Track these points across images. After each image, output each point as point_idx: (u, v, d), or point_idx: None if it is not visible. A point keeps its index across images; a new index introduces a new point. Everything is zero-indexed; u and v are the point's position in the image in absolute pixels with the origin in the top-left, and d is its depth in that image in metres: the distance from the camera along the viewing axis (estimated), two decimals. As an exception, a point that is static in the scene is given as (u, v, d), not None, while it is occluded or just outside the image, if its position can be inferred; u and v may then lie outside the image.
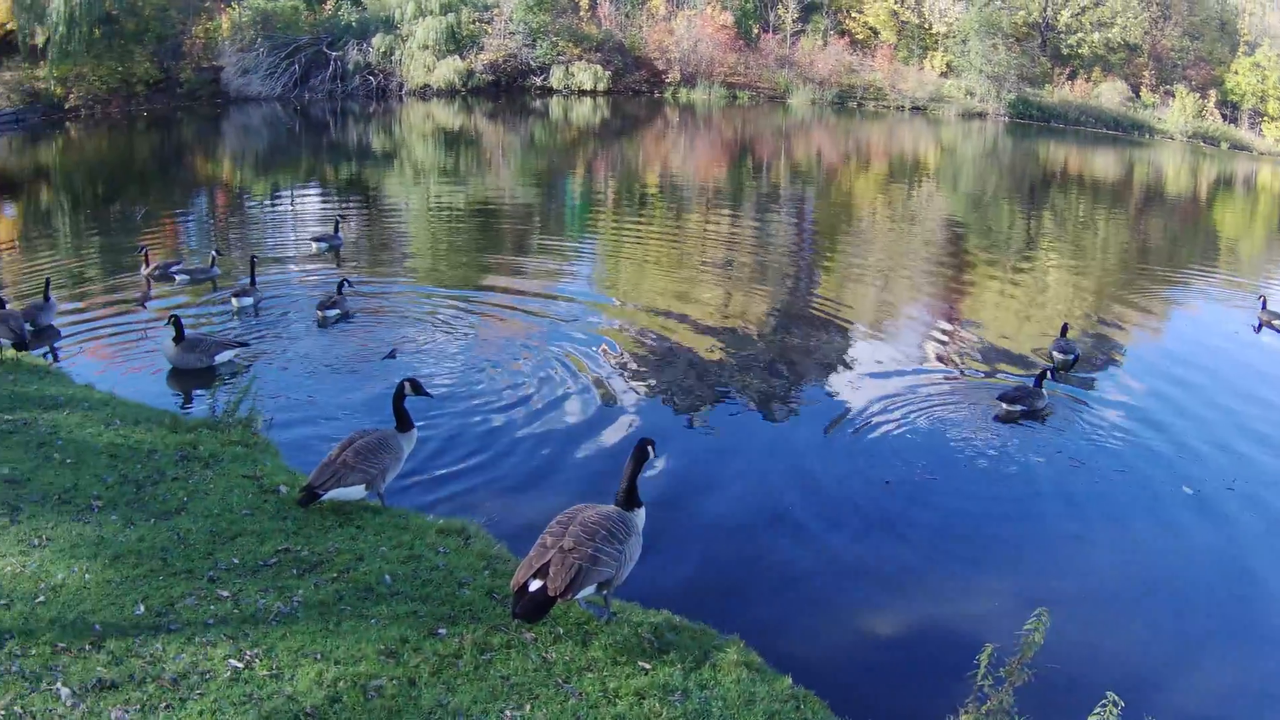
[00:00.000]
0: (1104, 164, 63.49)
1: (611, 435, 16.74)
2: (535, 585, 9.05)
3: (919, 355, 21.45)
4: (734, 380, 19.28)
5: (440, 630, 9.45)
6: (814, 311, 24.39)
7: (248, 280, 24.32)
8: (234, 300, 23.52)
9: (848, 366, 20.44)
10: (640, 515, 10.06)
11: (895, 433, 17.15)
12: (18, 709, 8.11)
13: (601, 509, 9.72)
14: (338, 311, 22.69)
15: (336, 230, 30.62)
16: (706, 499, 14.66)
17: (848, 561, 13.16)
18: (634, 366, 20.02)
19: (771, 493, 14.94)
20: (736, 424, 17.50)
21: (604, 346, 21.19)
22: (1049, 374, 19.27)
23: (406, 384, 12.88)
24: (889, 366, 20.51)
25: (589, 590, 9.23)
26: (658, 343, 21.32)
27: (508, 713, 8.31)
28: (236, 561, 10.72)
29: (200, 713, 8.15)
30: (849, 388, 19.23)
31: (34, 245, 31.64)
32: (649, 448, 10.22)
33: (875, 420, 17.59)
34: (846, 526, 14.02)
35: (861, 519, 14.26)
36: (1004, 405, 18.03)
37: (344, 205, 39.72)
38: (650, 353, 20.79)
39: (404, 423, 12.81)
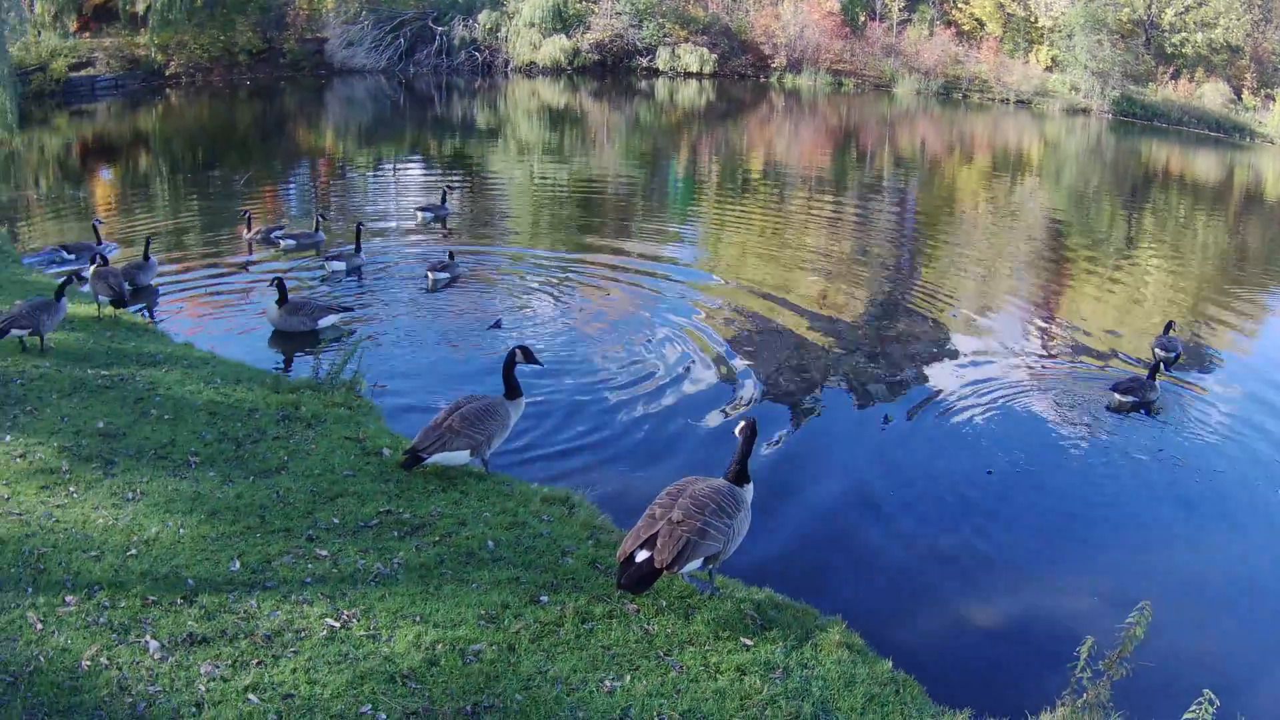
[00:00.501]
0: (1205, 165, 62.13)
1: (711, 413, 16.50)
2: (642, 556, 8.93)
3: (1019, 347, 20.95)
4: (835, 365, 18.96)
5: (542, 597, 9.33)
6: (915, 300, 23.97)
7: (352, 247, 24.44)
8: (326, 264, 23.75)
9: (949, 355, 20.03)
10: (749, 491, 9.84)
11: (997, 423, 16.73)
12: (104, 660, 8.05)
13: (712, 482, 9.54)
14: (447, 275, 22.78)
15: (444, 200, 30.55)
16: (807, 481, 14.39)
17: (948, 549, 12.88)
18: (734, 346, 19.75)
19: (873, 477, 14.67)
20: (837, 408, 17.22)
21: (705, 326, 20.99)
22: (1162, 367, 18.75)
23: (518, 351, 12.69)
24: (989, 357, 20.08)
25: (695, 564, 9.05)
26: (759, 324, 21.02)
27: (607, 682, 8.19)
28: (336, 522, 10.64)
29: (293, 670, 8.07)
30: (950, 376, 18.85)
31: (133, 207, 32.06)
32: (755, 426, 9.95)
33: (976, 409, 17.18)
34: (948, 514, 13.71)
35: (963, 507, 13.92)
36: (1116, 396, 17.53)
37: (447, 178, 39.74)
38: (751, 334, 20.50)
39: (513, 390, 12.64)
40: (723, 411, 16.53)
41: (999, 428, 16.58)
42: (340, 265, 23.75)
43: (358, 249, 24.34)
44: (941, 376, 18.82)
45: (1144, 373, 18.54)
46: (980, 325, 22.34)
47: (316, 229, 25.48)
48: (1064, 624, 11.17)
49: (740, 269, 26.44)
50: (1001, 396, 17.82)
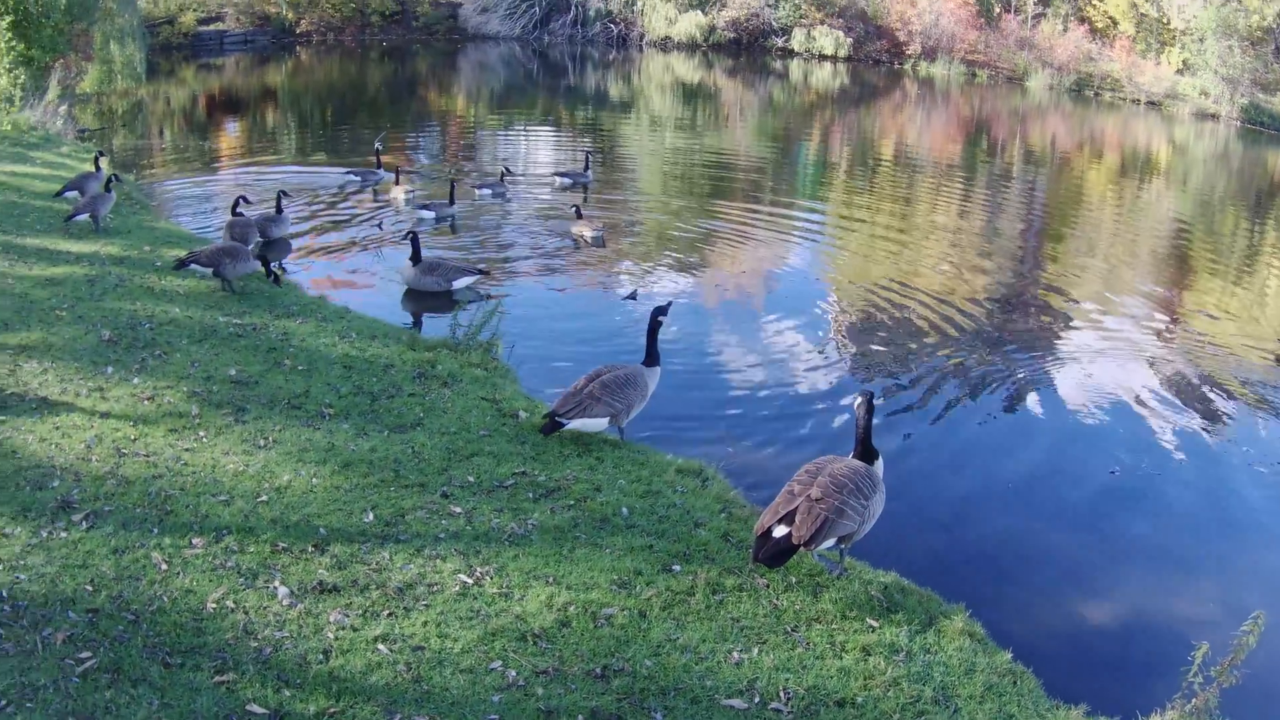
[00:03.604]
0: (1331, 179, 60.89)
1: (833, 392, 16.58)
2: (780, 532, 9.02)
3: (1142, 347, 20.61)
4: (957, 353, 18.84)
5: (674, 567, 9.49)
6: (1039, 293, 23.72)
7: (446, 201, 25.50)
8: (417, 212, 25.04)
9: (1071, 350, 19.79)
10: (879, 466, 9.96)
11: (1120, 424, 16.52)
12: (230, 603, 8.29)
13: (850, 462, 9.62)
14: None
15: (586, 167, 30.89)
16: (927, 467, 14.40)
17: (1066, 545, 12.85)
18: (858, 329, 19.82)
19: (992, 470, 14.66)
20: (958, 399, 17.08)
21: (831, 307, 21.18)
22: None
23: (661, 315, 12.84)
24: (1111, 355, 19.78)
25: (829, 543, 9.16)
26: (883, 309, 20.96)
27: (735, 654, 8.30)
28: (471, 480, 10.84)
29: (424, 623, 8.27)
30: (1072, 371, 18.65)
31: (263, 162, 32.63)
32: (872, 399, 10.00)
33: (1099, 409, 16.96)
34: (1066, 512, 13.63)
35: (1084, 504, 13.82)
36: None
37: (578, 143, 40.07)
38: (875, 318, 20.47)
39: (653, 357, 12.80)
40: (845, 392, 16.59)
41: (1122, 426, 16.46)
42: (429, 214, 24.90)
43: (451, 200, 25.37)
44: (1063, 371, 18.69)
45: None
46: (1103, 323, 22.06)
47: (452, 200, 25.74)
48: (1177, 628, 11.17)
49: (867, 253, 26.41)
50: (1124, 395, 17.63)
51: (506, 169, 29.61)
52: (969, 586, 10.81)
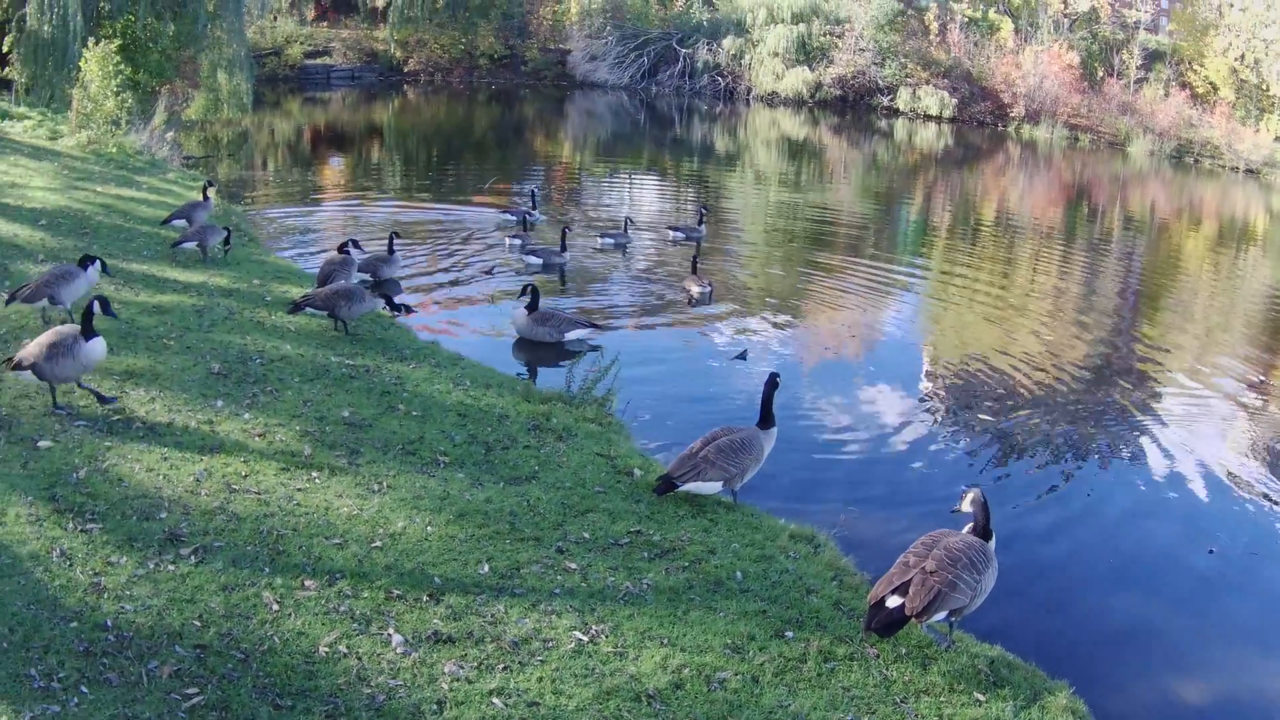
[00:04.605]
0: None
1: (940, 464, 16.55)
2: (894, 602, 9.21)
3: (1238, 421, 20.42)
4: (1055, 426, 18.71)
5: (787, 633, 9.53)
6: (1136, 365, 23.50)
7: (557, 249, 25.76)
8: (524, 258, 25.36)
9: (1167, 426, 19.54)
10: (992, 544, 10.05)
11: (1217, 499, 16.39)
12: (342, 648, 8.37)
13: (966, 537, 9.78)
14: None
15: (701, 221, 30.89)
16: (1025, 542, 14.27)
17: (1164, 626, 12.81)
18: (960, 398, 19.83)
19: (1089, 545, 14.55)
20: (1056, 472, 16.96)
21: (932, 372, 21.38)
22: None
23: (776, 377, 12.96)
24: (1207, 427, 19.60)
25: (941, 615, 9.30)
26: (982, 377, 20.85)
27: None
28: (587, 536, 10.91)
29: (539, 679, 8.31)
30: (1168, 447, 18.40)
31: (371, 200, 33.03)
32: (985, 498, 10.21)
33: (1196, 483, 16.79)
34: (1165, 589, 13.55)
35: (1181, 585, 13.73)
36: None
37: (680, 194, 40.43)
38: (975, 385, 20.40)
39: (768, 419, 12.84)
40: (946, 461, 16.67)
41: (1219, 502, 16.34)
42: (536, 260, 25.22)
43: (563, 248, 25.65)
44: (1160, 444, 18.49)
45: None
46: (1198, 394, 21.83)
47: (563, 248, 25.86)
48: (1276, 714, 11.18)
49: (966, 316, 26.40)
50: (1220, 469, 17.44)
51: (630, 219, 29.81)
52: (1070, 663, 10.81)
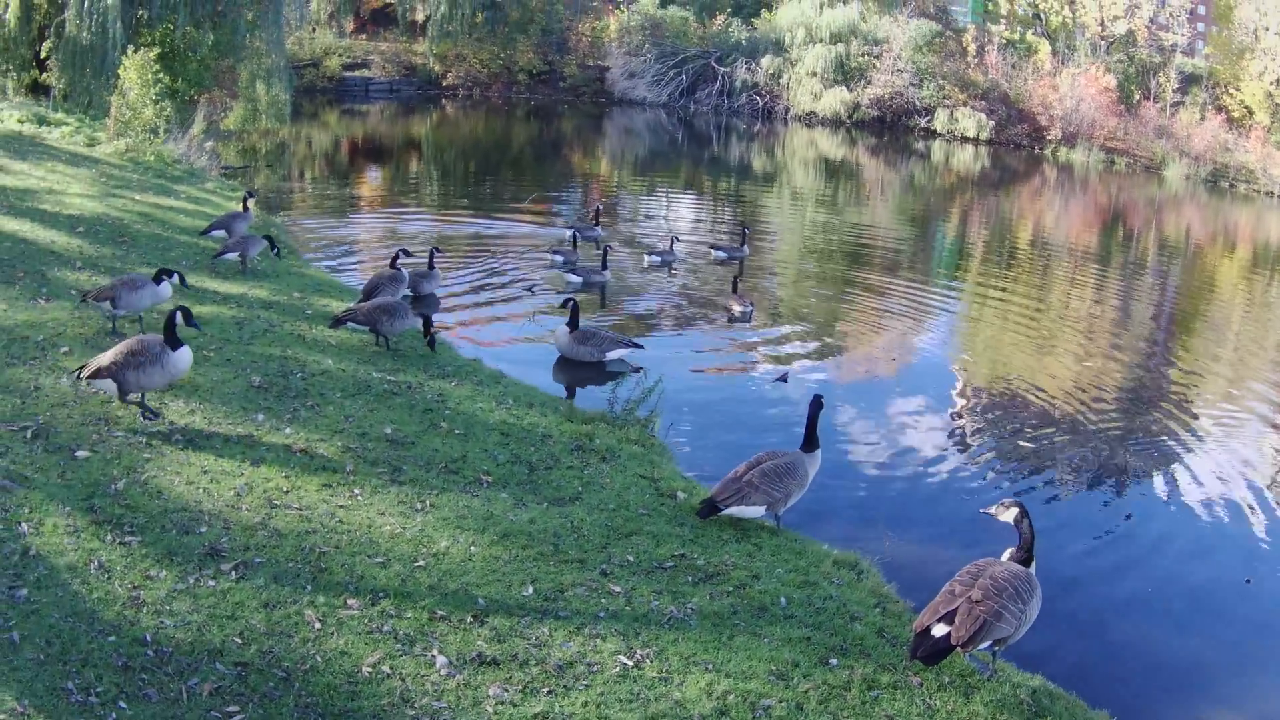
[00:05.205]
0: None
1: (978, 490, 16.44)
2: (940, 631, 9.17)
3: (1273, 448, 20.32)
4: (1090, 453, 18.63)
5: (832, 660, 9.49)
6: (1170, 389, 23.41)
7: (597, 266, 25.82)
8: (565, 276, 25.52)
9: (1202, 453, 19.49)
10: (1033, 569, 10.06)
11: (1254, 528, 16.30)
12: (386, 668, 8.34)
13: (1011, 567, 9.76)
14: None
15: (744, 242, 30.98)
16: (1064, 571, 14.08)
17: (1201, 657, 12.79)
18: (997, 422, 19.91)
19: (1127, 574, 14.46)
20: (1092, 495, 16.98)
21: (966, 396, 21.35)
22: None
23: (821, 399, 12.92)
24: (1243, 455, 19.48)
25: (985, 644, 9.26)
26: (1019, 401, 20.89)
27: None
28: (631, 559, 10.87)
29: (584, 703, 8.27)
30: (1203, 475, 18.30)
31: (409, 213, 33.11)
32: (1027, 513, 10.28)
33: (1234, 511, 16.73)
34: (1202, 619, 13.52)
35: (1219, 615, 13.69)
36: None
37: (719, 217, 40.41)
38: (1012, 410, 20.46)
39: (812, 442, 12.80)
40: (985, 486, 16.61)
41: (1256, 531, 16.24)
42: (577, 279, 25.33)
43: (604, 265, 25.70)
44: (1194, 472, 18.44)
45: None
46: (1234, 417, 21.76)
47: (604, 266, 25.91)
48: None
49: (1002, 339, 26.51)
50: (1257, 498, 17.35)
51: (675, 237, 29.96)
52: (1109, 693, 10.84)
